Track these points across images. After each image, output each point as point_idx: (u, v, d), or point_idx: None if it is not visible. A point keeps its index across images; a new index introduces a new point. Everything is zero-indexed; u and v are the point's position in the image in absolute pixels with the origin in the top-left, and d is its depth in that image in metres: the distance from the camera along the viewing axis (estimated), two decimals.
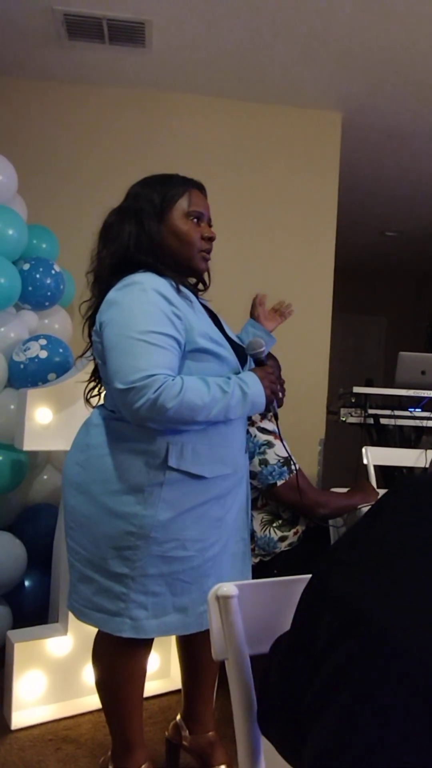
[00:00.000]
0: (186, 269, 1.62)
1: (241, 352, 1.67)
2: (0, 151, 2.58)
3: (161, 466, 1.50)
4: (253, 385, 1.52)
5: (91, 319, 1.61)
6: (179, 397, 1.40)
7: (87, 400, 1.71)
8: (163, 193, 1.60)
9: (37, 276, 2.59)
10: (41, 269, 2.60)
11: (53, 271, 2.64)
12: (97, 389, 1.72)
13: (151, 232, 1.57)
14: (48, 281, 2.61)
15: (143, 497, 1.49)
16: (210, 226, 1.66)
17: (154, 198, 1.59)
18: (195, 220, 1.60)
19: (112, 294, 1.51)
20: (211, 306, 1.74)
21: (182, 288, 1.55)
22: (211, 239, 1.63)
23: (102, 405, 1.64)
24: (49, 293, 2.63)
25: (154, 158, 3.46)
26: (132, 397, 1.40)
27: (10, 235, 2.47)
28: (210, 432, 1.54)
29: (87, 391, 1.72)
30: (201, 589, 1.55)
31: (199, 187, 1.66)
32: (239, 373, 1.58)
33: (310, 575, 0.79)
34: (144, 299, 1.47)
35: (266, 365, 1.63)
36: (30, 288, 2.58)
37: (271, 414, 1.66)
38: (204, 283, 1.77)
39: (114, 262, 1.56)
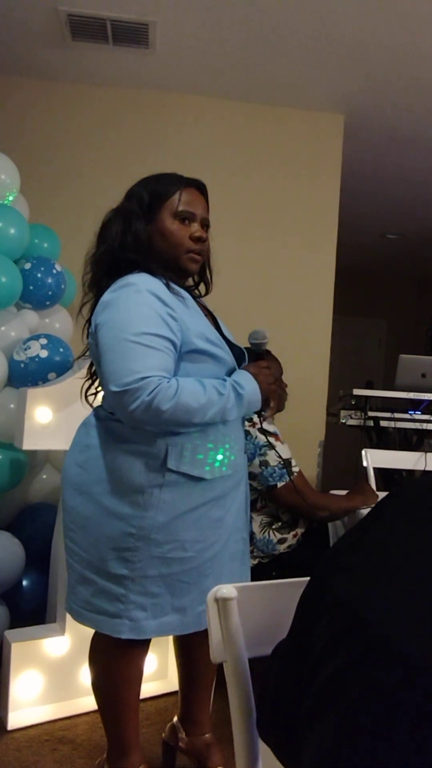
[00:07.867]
0: (176, 269, 1.60)
1: (237, 352, 1.66)
2: (2, 150, 2.58)
3: (161, 468, 1.49)
4: (247, 384, 1.51)
5: (88, 321, 1.61)
6: (174, 400, 1.39)
7: (86, 399, 1.71)
8: (153, 192, 1.58)
9: (38, 275, 2.59)
10: (42, 268, 2.60)
11: (54, 271, 2.63)
12: (94, 388, 1.71)
13: (137, 232, 1.55)
14: (49, 280, 2.61)
15: (143, 499, 1.49)
16: (206, 225, 1.62)
17: (144, 197, 1.58)
18: (184, 220, 1.58)
19: (107, 295, 1.50)
20: (208, 305, 1.74)
21: (173, 286, 1.53)
22: (200, 239, 1.59)
23: (100, 406, 1.63)
24: (50, 292, 2.63)
25: (156, 159, 3.45)
26: (126, 400, 1.39)
27: (11, 234, 2.46)
28: (209, 433, 1.54)
29: (84, 390, 1.71)
30: (200, 589, 1.55)
31: (197, 186, 1.63)
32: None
33: (309, 578, 0.79)
34: (139, 301, 1.46)
35: (262, 359, 1.62)
36: (31, 287, 2.58)
37: (263, 413, 1.64)
38: (206, 285, 1.75)
39: (104, 263, 1.56)
